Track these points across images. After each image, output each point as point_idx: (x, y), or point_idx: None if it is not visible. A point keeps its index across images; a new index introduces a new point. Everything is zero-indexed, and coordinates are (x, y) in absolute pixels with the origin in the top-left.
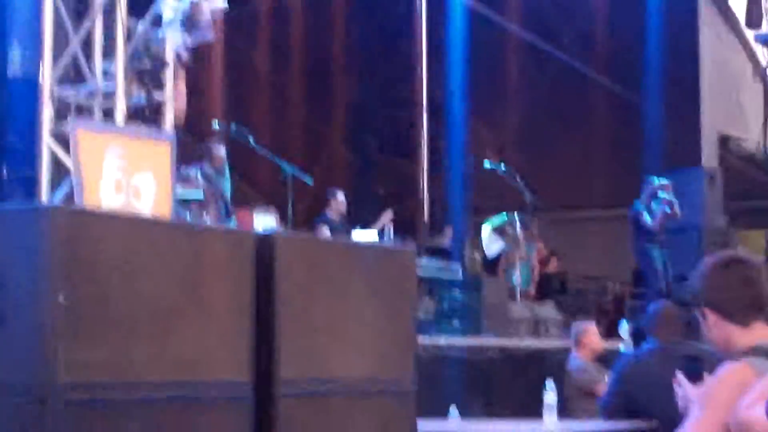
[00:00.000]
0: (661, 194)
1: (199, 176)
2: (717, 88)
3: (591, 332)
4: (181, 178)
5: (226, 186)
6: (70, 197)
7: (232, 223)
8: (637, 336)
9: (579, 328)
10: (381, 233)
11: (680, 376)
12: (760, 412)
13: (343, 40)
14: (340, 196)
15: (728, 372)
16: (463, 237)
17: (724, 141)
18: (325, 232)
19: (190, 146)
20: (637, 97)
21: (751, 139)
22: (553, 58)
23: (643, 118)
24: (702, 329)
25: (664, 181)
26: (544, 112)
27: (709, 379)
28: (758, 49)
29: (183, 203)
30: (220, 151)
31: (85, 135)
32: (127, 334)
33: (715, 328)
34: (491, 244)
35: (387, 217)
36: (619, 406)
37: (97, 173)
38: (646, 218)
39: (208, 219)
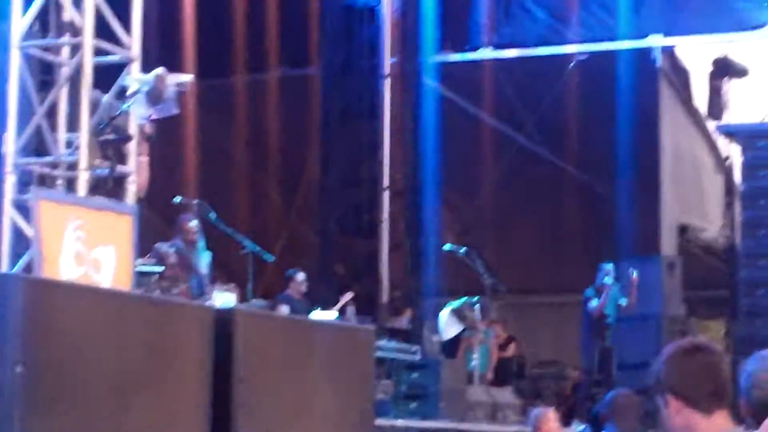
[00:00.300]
0: (607, 280)
1: (172, 251)
2: (678, 177)
3: (549, 418)
4: (155, 255)
5: (201, 260)
6: (30, 268)
7: (207, 299)
8: (595, 422)
9: (537, 414)
10: (342, 314)
11: None
12: None
13: (312, 118)
14: (301, 276)
15: None
16: (423, 319)
17: (683, 230)
18: (285, 310)
19: (152, 220)
20: (601, 186)
21: (710, 229)
22: (520, 145)
23: (606, 205)
24: (662, 417)
25: (610, 268)
26: (509, 197)
27: None
28: (719, 140)
29: (148, 277)
30: (191, 223)
31: (47, 205)
32: (84, 406)
33: (678, 415)
34: (448, 327)
35: (347, 297)
36: None
37: (57, 244)
38: (592, 304)
39: (177, 294)
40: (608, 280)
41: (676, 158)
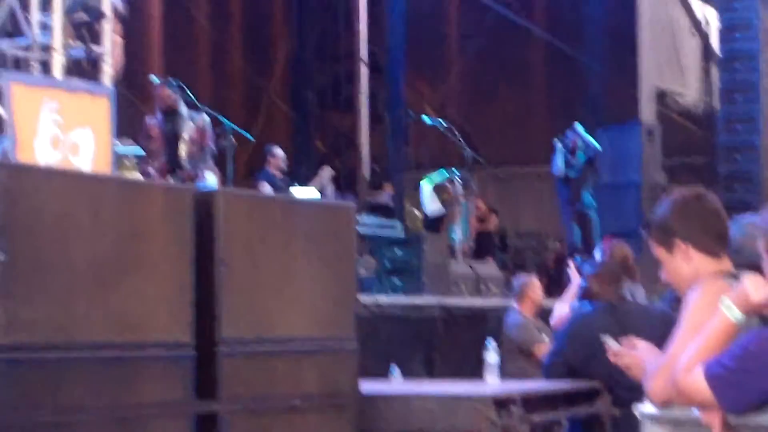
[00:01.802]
0: (558, 144)
1: (153, 123)
2: (655, 42)
3: (535, 285)
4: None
5: (185, 126)
6: (5, 153)
7: (194, 169)
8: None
9: (523, 281)
10: (321, 191)
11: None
12: (699, 376)
13: None
14: (279, 152)
15: (705, 287)
16: (403, 193)
17: (661, 96)
18: (266, 188)
19: (128, 100)
20: (576, 52)
21: (689, 94)
22: (493, 11)
23: (582, 72)
24: (665, 267)
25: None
26: (484, 67)
27: (687, 302)
28: (695, 3)
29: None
30: (167, 90)
31: (19, 89)
32: (66, 291)
33: (688, 261)
34: (431, 202)
35: (326, 173)
36: (561, 365)
37: (32, 128)
38: (556, 167)
39: (152, 172)
40: (558, 143)
41: (652, 23)
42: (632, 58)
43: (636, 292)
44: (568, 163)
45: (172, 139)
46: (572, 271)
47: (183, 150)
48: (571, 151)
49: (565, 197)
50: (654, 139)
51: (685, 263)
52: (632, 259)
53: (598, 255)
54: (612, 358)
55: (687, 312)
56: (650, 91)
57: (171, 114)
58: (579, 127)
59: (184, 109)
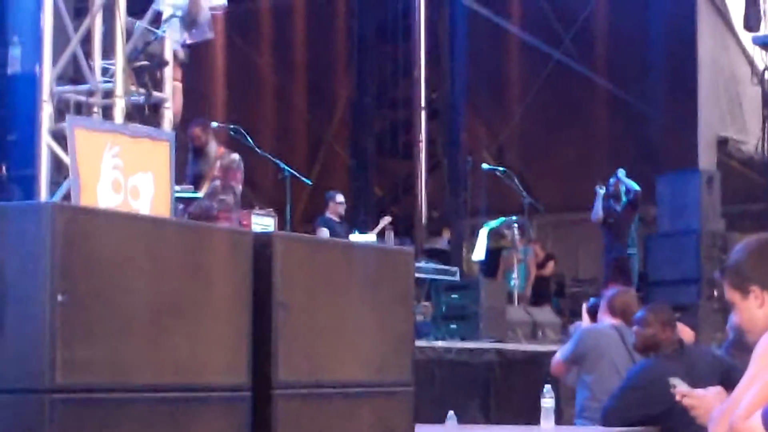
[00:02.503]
0: (599, 191)
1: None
2: (715, 90)
3: None
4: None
5: (208, 165)
6: (69, 196)
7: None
8: (593, 313)
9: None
10: (380, 238)
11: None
12: (756, 423)
13: (343, 40)
14: (339, 197)
15: None
16: (461, 239)
17: (722, 143)
18: (324, 233)
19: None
20: (636, 99)
21: (749, 142)
22: (553, 59)
23: (642, 120)
24: (737, 312)
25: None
26: (543, 113)
27: (758, 348)
28: (756, 51)
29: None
30: (195, 130)
31: (82, 133)
32: (124, 333)
33: (759, 306)
34: (480, 248)
35: (386, 221)
36: (621, 411)
37: (94, 172)
38: (595, 213)
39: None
40: (600, 189)
41: (712, 71)
42: (692, 105)
43: (629, 336)
44: (609, 209)
45: (197, 178)
46: (584, 313)
47: (204, 188)
48: (613, 197)
49: (606, 242)
50: (713, 187)
51: (759, 308)
52: (635, 307)
53: (601, 301)
54: (678, 398)
55: (756, 358)
56: (710, 139)
57: (199, 154)
58: (621, 173)
59: (212, 147)
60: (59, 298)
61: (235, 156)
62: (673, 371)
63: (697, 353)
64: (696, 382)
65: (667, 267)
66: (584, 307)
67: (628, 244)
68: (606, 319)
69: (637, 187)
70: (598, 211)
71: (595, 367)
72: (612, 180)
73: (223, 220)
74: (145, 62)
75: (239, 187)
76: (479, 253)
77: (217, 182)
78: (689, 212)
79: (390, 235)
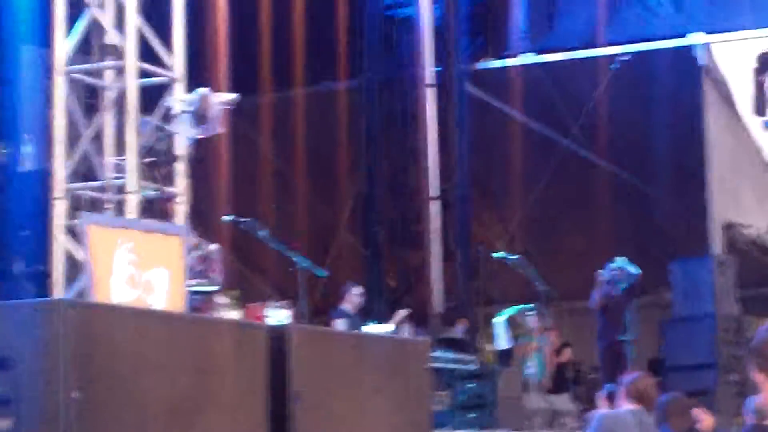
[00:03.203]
0: (602, 274)
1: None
2: (722, 175)
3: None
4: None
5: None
6: (83, 293)
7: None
8: (610, 399)
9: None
10: (397, 330)
11: None
12: None
13: (346, 132)
14: (357, 290)
15: None
16: (476, 328)
17: (728, 228)
18: (341, 325)
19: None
20: (648, 187)
21: (754, 225)
22: (560, 145)
23: (651, 206)
24: (761, 390)
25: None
26: (554, 200)
27: None
28: (764, 136)
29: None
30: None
31: (96, 230)
32: (139, 430)
33: None
34: (502, 336)
35: (402, 314)
36: None
37: (108, 268)
38: (593, 300)
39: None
40: (611, 273)
41: (719, 156)
42: (701, 190)
43: (650, 423)
44: (607, 295)
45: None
46: (599, 400)
47: None
48: (613, 283)
49: (599, 329)
50: (726, 271)
51: None
52: (652, 391)
53: (619, 388)
54: None
55: None
56: (719, 224)
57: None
58: (619, 261)
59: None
60: (73, 395)
61: (213, 246)
62: None
63: None
64: None
65: (683, 352)
66: (599, 393)
67: (623, 330)
68: (624, 405)
69: (636, 272)
70: (595, 298)
71: None
72: (614, 266)
73: (206, 312)
74: (158, 158)
75: (219, 278)
76: (503, 341)
77: (195, 274)
78: (703, 297)
79: (407, 328)
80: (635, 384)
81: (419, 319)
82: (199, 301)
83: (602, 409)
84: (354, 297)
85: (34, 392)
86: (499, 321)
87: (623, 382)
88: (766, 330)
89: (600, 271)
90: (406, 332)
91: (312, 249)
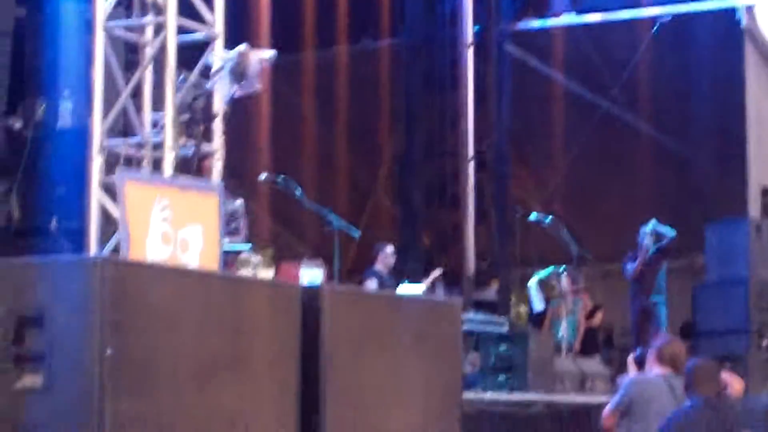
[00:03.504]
0: (646, 239)
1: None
2: (761, 139)
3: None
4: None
5: None
6: (118, 249)
7: None
8: (640, 363)
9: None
10: (431, 290)
11: None
12: None
13: (388, 91)
14: (390, 249)
15: None
16: (509, 290)
17: (765, 192)
18: (373, 285)
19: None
20: (683, 148)
21: None
22: (599, 108)
23: (689, 168)
24: None
25: (649, 228)
26: (591, 162)
27: None
28: None
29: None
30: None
31: (133, 187)
32: (172, 388)
33: None
34: (537, 299)
35: (436, 274)
36: None
37: (144, 225)
38: (627, 267)
39: None
40: (646, 239)
41: (759, 118)
42: (740, 154)
43: (681, 387)
44: (642, 262)
45: None
46: (630, 364)
47: None
48: (642, 248)
49: (631, 292)
50: (762, 236)
51: None
52: (683, 356)
53: (649, 351)
54: None
55: None
56: (757, 187)
57: None
58: (651, 224)
59: None
60: (108, 352)
61: (238, 202)
62: (707, 419)
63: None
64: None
65: (715, 317)
66: (630, 357)
67: (656, 292)
68: (655, 369)
69: (672, 234)
70: (630, 268)
71: (643, 417)
72: (648, 229)
73: (231, 267)
74: (196, 115)
75: (244, 233)
76: (536, 304)
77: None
78: (738, 261)
79: (440, 288)
80: (666, 348)
81: (453, 279)
82: (230, 260)
83: (632, 373)
84: (386, 257)
85: (67, 349)
86: (533, 282)
87: (654, 346)
88: None
89: (645, 237)
90: (440, 293)
91: (348, 209)
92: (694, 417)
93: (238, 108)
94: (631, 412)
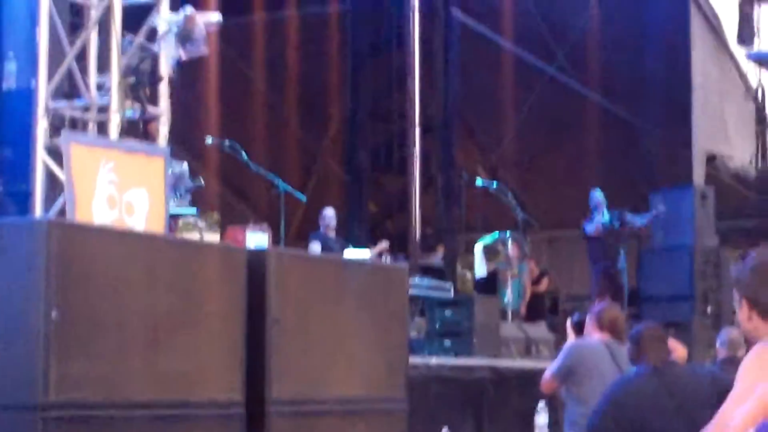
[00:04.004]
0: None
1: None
2: (707, 106)
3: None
4: None
5: None
6: (64, 212)
7: None
8: (579, 328)
9: None
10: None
11: None
12: None
13: (336, 54)
14: (329, 212)
15: (760, 349)
16: (455, 255)
17: (711, 159)
18: (317, 248)
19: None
20: (630, 115)
21: (737, 157)
22: (546, 74)
23: (635, 135)
24: (737, 316)
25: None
26: (537, 129)
27: (743, 363)
28: (750, 68)
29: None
30: None
31: (78, 149)
32: (118, 350)
33: (748, 321)
34: (481, 264)
35: (383, 245)
36: (608, 429)
37: (90, 188)
38: (588, 227)
39: None
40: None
41: (705, 86)
42: (686, 121)
43: (621, 354)
44: (605, 227)
45: None
46: (569, 329)
47: None
48: (617, 220)
49: (593, 256)
50: (707, 203)
51: (746, 321)
52: (622, 322)
53: (588, 316)
54: None
55: (740, 373)
56: (702, 155)
57: None
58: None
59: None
60: (53, 314)
61: (183, 165)
62: (653, 387)
63: (686, 371)
64: (681, 400)
65: (660, 283)
66: (569, 322)
67: (618, 261)
68: (594, 334)
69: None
70: (595, 225)
71: (584, 382)
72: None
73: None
74: (141, 78)
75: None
76: (480, 269)
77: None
78: (683, 228)
79: (386, 258)
80: (605, 314)
81: (399, 244)
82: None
83: (572, 338)
84: (325, 219)
85: (13, 310)
86: (479, 248)
87: (592, 311)
88: (748, 260)
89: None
90: (386, 261)
91: (294, 174)
92: (641, 384)
93: (186, 72)
94: (572, 377)
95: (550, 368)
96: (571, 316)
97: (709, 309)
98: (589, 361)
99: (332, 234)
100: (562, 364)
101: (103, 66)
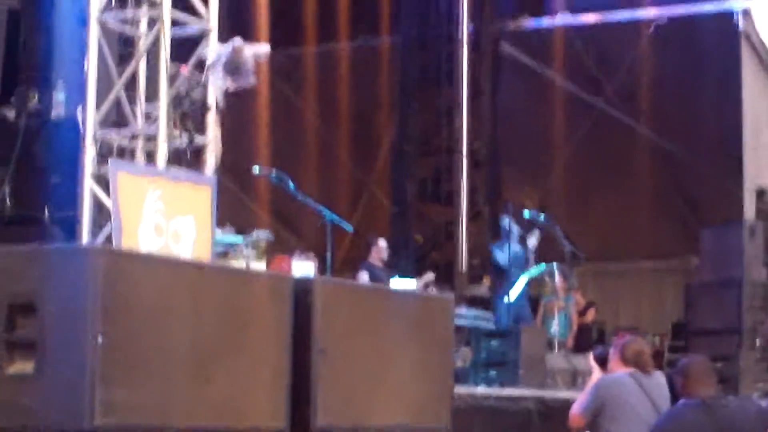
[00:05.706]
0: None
1: None
2: (757, 141)
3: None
4: None
5: None
6: (110, 239)
7: None
8: (601, 362)
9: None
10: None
11: None
12: None
13: (386, 86)
14: (382, 243)
15: None
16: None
17: (761, 194)
18: (365, 278)
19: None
20: (680, 151)
21: None
22: (596, 108)
23: (685, 170)
24: None
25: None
26: (586, 162)
27: None
28: None
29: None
30: None
31: (125, 177)
32: (164, 376)
33: None
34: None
35: (429, 278)
36: None
37: (136, 216)
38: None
39: None
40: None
41: (755, 122)
42: (736, 156)
43: (650, 385)
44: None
45: None
46: (592, 362)
47: None
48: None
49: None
50: (756, 237)
51: None
52: (647, 355)
53: (611, 350)
54: None
55: None
56: (753, 189)
57: None
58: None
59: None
60: (99, 340)
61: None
62: (701, 420)
63: (734, 405)
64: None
65: (708, 316)
66: (591, 355)
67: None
68: (618, 369)
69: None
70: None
71: (616, 416)
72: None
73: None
74: (189, 107)
75: None
76: (513, 295)
77: None
78: (732, 262)
79: (432, 290)
80: (629, 347)
81: (445, 275)
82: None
83: (596, 372)
84: (378, 250)
85: (59, 336)
86: (522, 280)
87: (615, 345)
88: None
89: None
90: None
91: (342, 204)
92: (688, 416)
93: (237, 103)
94: (604, 413)
95: (578, 404)
96: (593, 350)
97: (757, 342)
98: (618, 397)
99: (380, 265)
100: (592, 400)
101: (152, 95)
